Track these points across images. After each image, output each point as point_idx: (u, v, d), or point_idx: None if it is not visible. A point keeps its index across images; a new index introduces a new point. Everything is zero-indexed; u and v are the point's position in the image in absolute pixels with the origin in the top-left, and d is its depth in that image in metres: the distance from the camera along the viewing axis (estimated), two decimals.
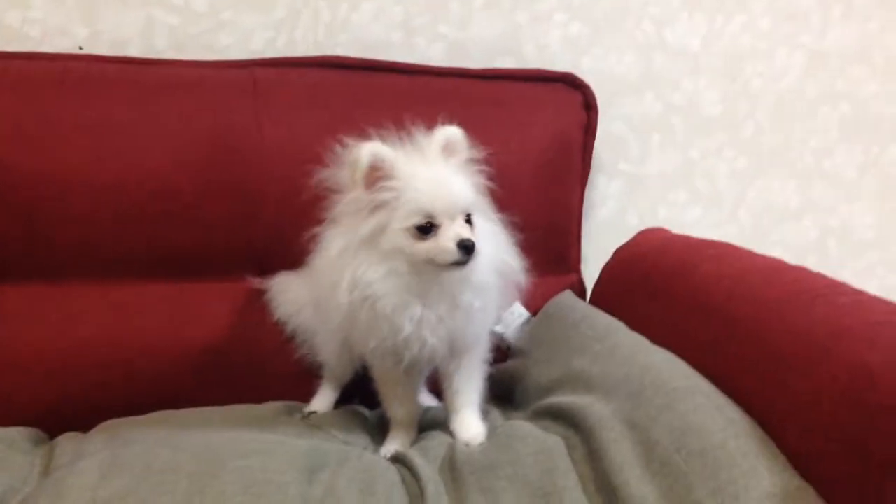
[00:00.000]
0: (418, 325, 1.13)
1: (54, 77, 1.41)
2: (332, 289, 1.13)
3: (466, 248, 1.08)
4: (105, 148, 1.39)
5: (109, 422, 1.28)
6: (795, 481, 0.92)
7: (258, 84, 1.49)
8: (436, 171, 1.12)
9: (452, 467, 1.11)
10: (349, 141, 1.12)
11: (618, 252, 1.54)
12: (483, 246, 1.12)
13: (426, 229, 1.09)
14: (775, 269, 1.17)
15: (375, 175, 1.09)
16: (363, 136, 1.14)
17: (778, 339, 1.02)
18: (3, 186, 1.36)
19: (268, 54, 1.59)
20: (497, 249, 1.20)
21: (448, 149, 1.14)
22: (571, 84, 1.67)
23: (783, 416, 0.97)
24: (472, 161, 1.18)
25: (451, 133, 1.15)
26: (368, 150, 1.08)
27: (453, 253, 1.08)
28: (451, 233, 1.09)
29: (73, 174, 1.38)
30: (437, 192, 1.09)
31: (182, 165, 1.42)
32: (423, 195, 1.08)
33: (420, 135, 1.15)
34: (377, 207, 1.10)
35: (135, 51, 1.55)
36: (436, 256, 1.09)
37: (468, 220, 1.12)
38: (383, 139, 1.14)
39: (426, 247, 1.09)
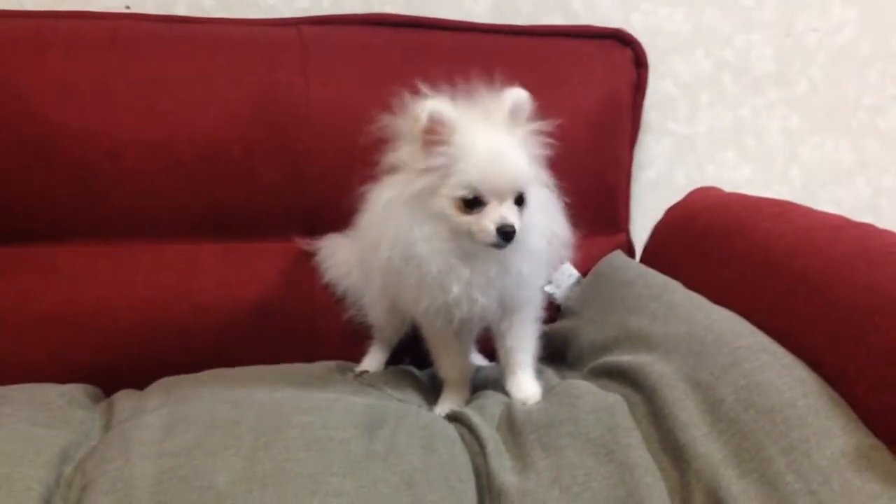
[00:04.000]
0: (467, 286, 1.11)
1: (104, 36, 1.41)
2: (375, 245, 1.13)
3: (506, 234, 1.06)
4: (155, 106, 1.39)
5: (165, 379, 1.29)
6: (868, 440, 0.90)
7: (305, 42, 1.48)
8: (495, 142, 1.08)
9: (511, 425, 1.10)
10: (416, 94, 1.10)
11: (670, 211, 1.51)
12: (534, 216, 1.11)
13: (472, 203, 1.06)
14: (841, 226, 1.14)
15: (434, 134, 1.06)
16: (430, 89, 1.12)
17: (847, 294, 1.00)
18: (55, 146, 1.37)
19: (314, 12, 1.57)
20: (548, 219, 1.18)
21: (514, 114, 1.10)
22: (621, 41, 1.64)
23: (853, 373, 0.95)
24: (536, 130, 1.14)
25: (518, 97, 1.11)
26: (430, 106, 1.05)
27: (491, 236, 1.06)
28: (496, 214, 1.06)
29: (124, 133, 1.38)
30: (490, 169, 1.06)
31: (231, 124, 1.42)
32: (474, 169, 1.05)
33: (487, 94, 1.11)
34: (430, 168, 1.08)
35: (182, 9, 1.54)
36: (476, 234, 1.07)
37: (520, 199, 1.09)
38: (451, 95, 1.10)
39: (468, 220, 1.07)
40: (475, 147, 1.06)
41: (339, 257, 1.46)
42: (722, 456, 0.94)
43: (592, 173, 1.60)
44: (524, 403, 1.17)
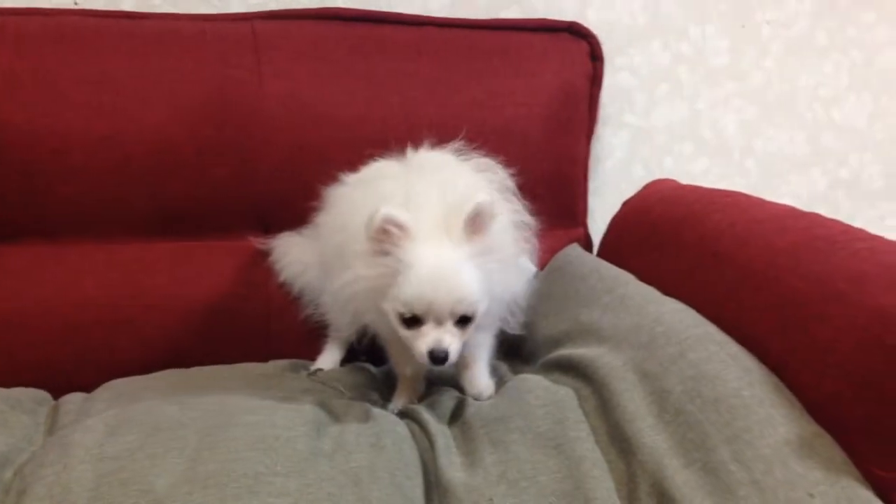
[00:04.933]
0: None
1: (50, 32, 1.38)
2: (335, 281, 1.10)
3: (437, 359, 1.03)
4: (102, 104, 1.37)
5: (115, 381, 1.27)
6: (812, 428, 0.91)
7: (258, 37, 1.46)
8: (441, 262, 1.01)
9: (462, 421, 1.10)
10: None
11: (626, 203, 1.51)
12: (495, 287, 1.07)
13: (410, 321, 1.03)
14: (789, 216, 1.15)
15: (384, 240, 1.01)
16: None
17: (793, 285, 1.00)
18: None
19: (268, 6, 1.56)
20: (505, 289, 1.14)
21: (473, 225, 1.02)
22: (577, 34, 1.63)
23: (799, 362, 0.96)
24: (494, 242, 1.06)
25: (478, 209, 1.01)
26: (384, 213, 0.99)
27: (423, 358, 1.04)
28: (431, 337, 1.03)
29: (71, 130, 1.36)
30: (429, 292, 1.01)
31: (181, 121, 1.40)
32: (413, 290, 1.01)
33: (452, 196, 1.04)
34: (375, 275, 1.04)
35: (129, 5, 1.52)
36: (410, 347, 1.05)
37: (464, 319, 1.05)
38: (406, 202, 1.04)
39: (406, 334, 1.05)
40: (419, 265, 1.01)
41: (295, 255, 1.45)
42: (667, 446, 0.94)
43: (549, 166, 1.60)
44: (477, 399, 1.17)
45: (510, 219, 1.19)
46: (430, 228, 1.02)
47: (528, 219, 1.28)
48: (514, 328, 1.27)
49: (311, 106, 1.47)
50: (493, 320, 1.21)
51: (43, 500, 0.87)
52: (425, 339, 1.03)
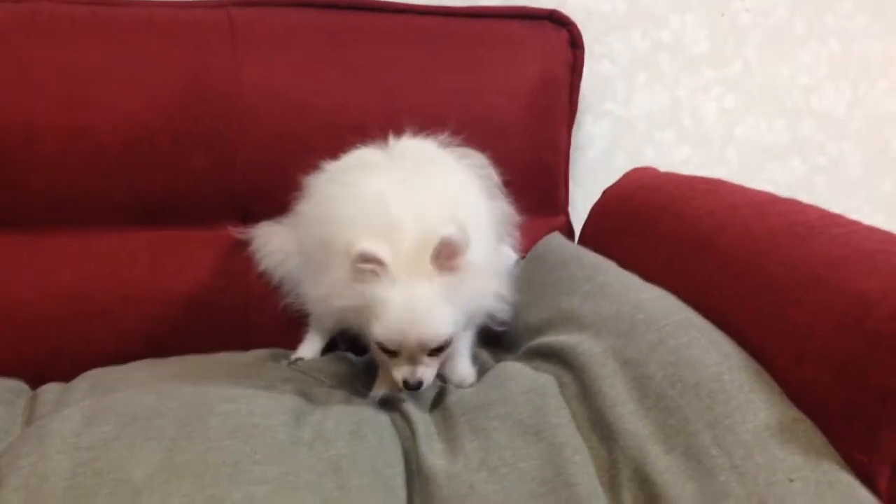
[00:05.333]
0: None
1: (22, 20, 1.36)
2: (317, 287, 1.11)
3: (411, 388, 1.07)
4: (76, 92, 1.35)
5: (92, 371, 1.26)
6: (792, 413, 0.91)
7: (235, 24, 1.44)
8: (414, 302, 1.01)
9: (443, 408, 1.09)
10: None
11: (606, 192, 1.51)
12: (470, 310, 1.09)
13: (387, 350, 1.06)
14: (767, 202, 1.15)
15: (362, 270, 1.00)
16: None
17: (772, 270, 1.00)
18: None
19: None
20: (481, 307, 1.13)
21: (441, 257, 1.01)
22: (557, 22, 1.62)
23: (778, 347, 0.96)
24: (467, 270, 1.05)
25: (448, 240, 0.99)
26: (364, 247, 0.98)
27: (398, 385, 1.08)
28: (406, 368, 1.06)
29: (44, 119, 1.34)
30: (401, 336, 1.02)
31: (157, 109, 1.38)
32: (386, 329, 1.02)
33: (421, 227, 1.02)
34: (352, 303, 1.04)
35: None
36: (389, 373, 1.09)
37: (438, 349, 1.06)
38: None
39: (383, 358, 1.09)
40: (391, 305, 1.01)
41: (275, 245, 1.43)
42: (648, 432, 0.94)
43: (530, 155, 1.60)
44: (458, 386, 1.16)
45: (487, 207, 1.19)
46: (405, 260, 1.01)
47: (509, 209, 1.29)
48: (497, 325, 1.27)
49: (290, 94, 1.45)
50: (474, 322, 1.20)
51: (19, 491, 0.86)
52: (400, 370, 1.07)
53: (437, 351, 1.06)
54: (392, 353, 1.06)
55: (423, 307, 1.02)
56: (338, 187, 1.16)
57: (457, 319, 1.05)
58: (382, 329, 1.02)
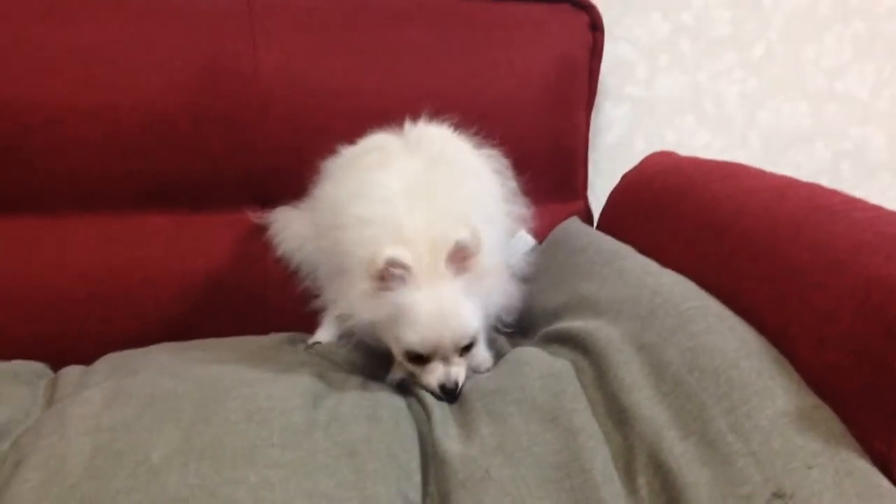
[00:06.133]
0: None
1: (41, 2, 1.36)
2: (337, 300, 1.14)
3: (448, 391, 1.07)
4: (94, 75, 1.35)
5: (112, 354, 1.26)
6: (810, 400, 0.90)
7: (253, 7, 1.44)
8: (439, 301, 1.04)
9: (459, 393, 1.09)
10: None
11: (626, 176, 1.50)
12: (488, 308, 1.11)
13: (417, 359, 1.08)
14: (788, 186, 1.14)
15: (386, 280, 1.03)
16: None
17: (793, 254, 0.99)
18: None
19: None
20: (497, 305, 1.17)
21: (455, 259, 1.04)
22: (577, 4, 1.61)
23: (798, 332, 0.95)
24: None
25: (462, 244, 1.03)
26: (389, 254, 1.01)
27: (435, 392, 1.08)
28: (439, 373, 1.07)
29: (62, 102, 1.34)
30: (435, 337, 1.05)
31: (175, 92, 1.39)
32: (416, 334, 1.04)
33: (442, 227, 1.05)
34: (377, 315, 1.07)
35: None
36: (422, 384, 1.09)
37: (467, 346, 1.08)
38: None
39: (414, 369, 1.09)
40: (419, 309, 1.04)
41: (293, 230, 1.44)
42: (665, 418, 0.94)
43: (548, 139, 1.59)
44: (475, 371, 1.16)
45: (500, 200, 1.20)
46: (423, 265, 1.04)
47: (522, 196, 1.29)
48: (504, 327, 1.27)
49: (307, 77, 1.45)
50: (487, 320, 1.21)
51: (39, 471, 0.87)
52: (434, 375, 1.08)
53: (466, 349, 1.08)
54: (421, 361, 1.08)
55: (452, 306, 1.05)
56: (352, 185, 1.17)
57: (480, 315, 1.09)
58: (416, 334, 1.04)
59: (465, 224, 1.04)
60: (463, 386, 1.08)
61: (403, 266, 1.02)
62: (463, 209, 1.11)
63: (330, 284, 1.21)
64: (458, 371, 1.08)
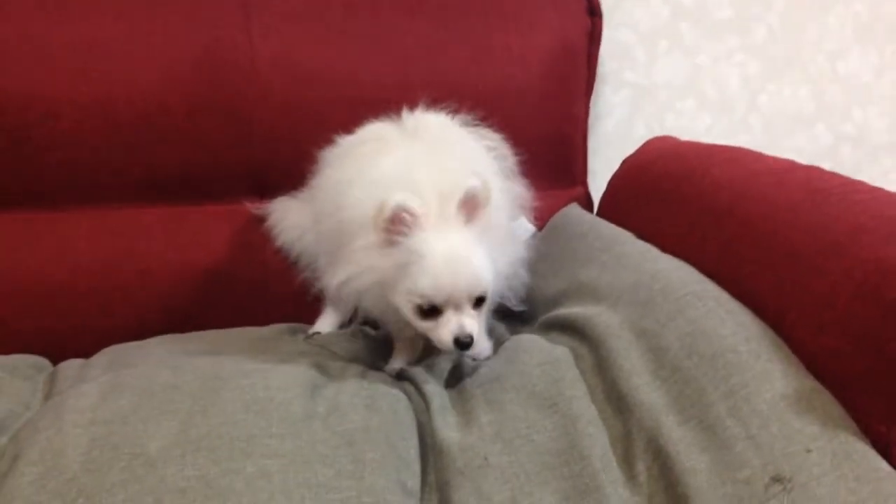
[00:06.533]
0: None
1: None
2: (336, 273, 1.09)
3: (463, 344, 1.03)
4: (91, 67, 1.35)
5: (112, 347, 1.27)
6: (809, 383, 0.90)
7: None
8: (452, 247, 1.01)
9: (458, 381, 1.09)
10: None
11: (626, 161, 1.49)
12: (497, 263, 1.07)
13: (429, 311, 1.02)
14: (788, 170, 1.13)
15: (395, 230, 1.00)
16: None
17: (792, 238, 0.99)
18: None
19: None
20: (505, 263, 1.13)
21: (467, 207, 1.02)
22: None
23: (797, 316, 0.95)
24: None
25: (474, 191, 1.01)
26: (398, 200, 0.98)
27: (449, 346, 1.03)
28: (454, 324, 1.02)
29: (60, 96, 1.34)
30: (445, 280, 1.00)
31: (172, 83, 1.38)
32: (429, 280, 1.00)
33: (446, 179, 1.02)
34: (386, 266, 1.03)
35: None
36: (434, 340, 1.05)
37: (480, 299, 1.04)
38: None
39: (426, 325, 1.04)
40: (432, 254, 1.00)
41: (292, 220, 1.43)
42: (664, 403, 0.94)
43: (547, 126, 1.59)
44: (474, 359, 1.16)
45: (502, 186, 1.18)
46: (433, 213, 1.01)
47: (523, 183, 1.28)
48: (515, 304, 1.26)
49: (303, 66, 1.45)
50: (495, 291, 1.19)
51: (36, 465, 0.87)
52: (448, 328, 1.03)
53: (478, 303, 1.04)
54: (432, 314, 1.03)
55: (465, 252, 1.02)
56: (349, 170, 1.15)
57: (492, 267, 1.04)
58: (429, 281, 1.00)
59: (475, 173, 1.02)
60: (476, 340, 1.03)
61: (413, 213, 0.99)
62: (470, 167, 1.08)
63: (330, 269, 1.19)
64: (471, 323, 1.03)
